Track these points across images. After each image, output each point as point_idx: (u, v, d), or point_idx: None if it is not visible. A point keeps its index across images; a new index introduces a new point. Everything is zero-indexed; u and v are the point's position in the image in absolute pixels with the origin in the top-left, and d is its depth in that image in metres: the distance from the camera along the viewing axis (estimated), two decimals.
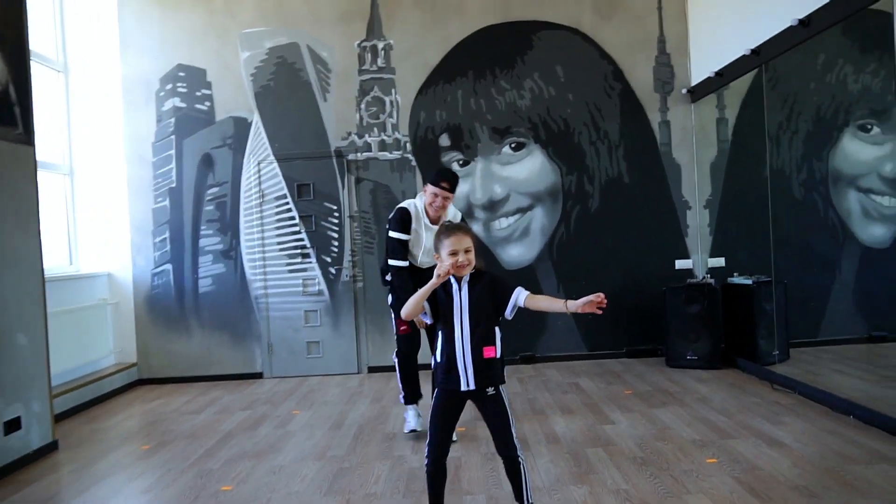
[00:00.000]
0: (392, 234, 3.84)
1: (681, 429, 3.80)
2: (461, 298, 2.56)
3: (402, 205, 3.92)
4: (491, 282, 2.60)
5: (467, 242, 2.55)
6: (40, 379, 4.02)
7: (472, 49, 5.97)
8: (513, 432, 2.56)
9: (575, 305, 2.51)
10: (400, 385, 3.99)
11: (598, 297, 2.47)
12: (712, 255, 5.94)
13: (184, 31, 5.99)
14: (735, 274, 5.57)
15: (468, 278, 2.58)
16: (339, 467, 3.51)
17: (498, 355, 2.57)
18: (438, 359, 2.59)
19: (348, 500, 3.07)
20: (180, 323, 6.03)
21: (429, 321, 2.64)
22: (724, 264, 5.85)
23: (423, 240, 3.86)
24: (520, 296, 2.57)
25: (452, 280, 2.58)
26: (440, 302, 2.58)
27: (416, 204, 3.88)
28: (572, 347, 5.96)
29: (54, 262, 5.70)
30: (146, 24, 5.98)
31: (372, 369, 5.95)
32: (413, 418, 3.96)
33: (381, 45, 5.99)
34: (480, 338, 2.53)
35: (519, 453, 2.55)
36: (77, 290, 5.63)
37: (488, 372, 2.53)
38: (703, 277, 5.65)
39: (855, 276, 5.85)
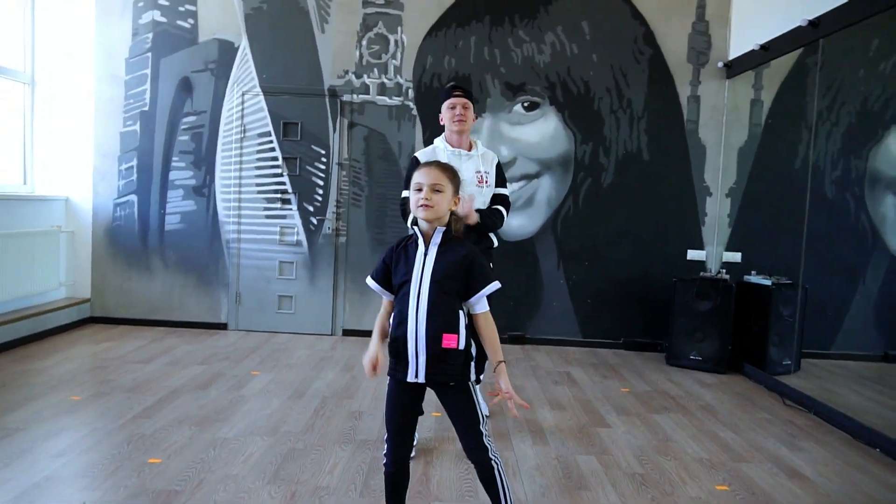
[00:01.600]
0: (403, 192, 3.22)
1: (685, 443, 3.33)
2: (424, 263, 2.01)
3: (416, 153, 3.33)
4: (468, 257, 2.03)
5: (439, 178, 2.01)
6: None
7: None
8: (482, 432, 2.05)
9: (503, 383, 2.02)
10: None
11: (522, 405, 2.02)
12: (728, 249, 5.44)
13: None
14: (753, 272, 5.07)
15: (439, 240, 2.03)
16: (290, 447, 3.03)
17: (460, 346, 2.01)
18: (392, 333, 2.06)
19: (294, 492, 2.58)
20: (142, 260, 5.49)
21: (386, 297, 2.12)
22: (740, 260, 5.36)
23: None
24: (483, 300, 2.05)
25: (419, 237, 2.04)
26: (398, 264, 2.05)
27: (435, 145, 3.30)
28: (566, 332, 5.48)
29: (5, 179, 5.13)
30: None
31: (347, 332, 5.46)
32: None
33: None
34: (440, 320, 1.99)
35: (492, 455, 2.04)
36: (29, 214, 5.07)
37: (443, 365, 2.00)
38: (718, 272, 5.15)
39: (879, 287, 5.39)
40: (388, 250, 2.11)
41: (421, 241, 2.04)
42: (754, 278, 4.99)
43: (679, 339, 5.00)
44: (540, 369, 4.69)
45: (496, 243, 3.43)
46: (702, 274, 5.10)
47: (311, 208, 5.43)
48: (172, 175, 5.46)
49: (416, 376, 2.00)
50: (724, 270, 5.14)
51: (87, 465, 2.73)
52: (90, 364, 4.28)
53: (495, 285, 2.05)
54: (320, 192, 5.43)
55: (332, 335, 5.44)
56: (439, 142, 3.29)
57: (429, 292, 1.98)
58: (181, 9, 5.37)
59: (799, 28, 4.31)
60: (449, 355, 2.00)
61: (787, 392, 4.26)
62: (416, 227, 2.07)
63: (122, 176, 5.46)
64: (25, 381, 3.82)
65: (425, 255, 2.02)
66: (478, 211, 3.16)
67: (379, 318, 2.13)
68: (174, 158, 5.45)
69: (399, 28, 5.38)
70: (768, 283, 4.82)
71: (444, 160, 2.86)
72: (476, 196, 3.18)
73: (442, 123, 3.29)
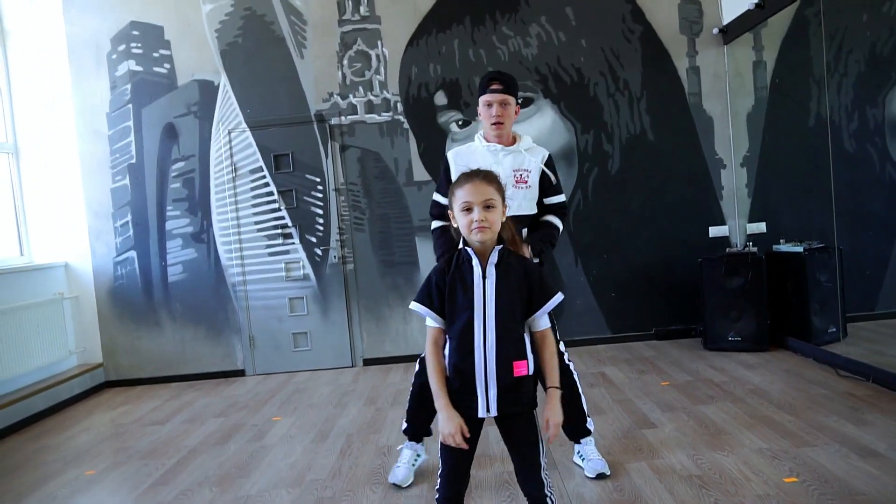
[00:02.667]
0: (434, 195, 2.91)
1: (740, 433, 3.08)
2: (485, 287, 1.80)
3: (447, 153, 2.91)
4: (528, 272, 1.84)
5: (489, 194, 1.80)
6: None
7: None
8: (542, 465, 1.85)
9: (556, 414, 1.85)
10: (407, 413, 2.94)
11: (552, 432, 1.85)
12: (751, 220, 5.19)
13: None
14: (781, 241, 4.81)
15: (496, 258, 1.82)
16: (318, 497, 2.81)
17: (530, 371, 1.82)
18: (449, 373, 1.84)
19: None
20: (149, 317, 5.33)
21: (437, 325, 1.87)
22: (765, 230, 5.10)
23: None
24: (545, 315, 1.86)
25: (473, 258, 1.82)
26: (455, 292, 1.83)
27: (471, 144, 2.87)
28: (594, 330, 5.24)
29: (2, 253, 5.01)
30: None
31: (367, 361, 5.25)
32: (406, 465, 2.88)
33: None
34: (510, 347, 1.79)
35: (548, 492, 1.85)
36: (30, 284, 4.94)
37: (517, 394, 1.81)
38: (745, 246, 4.89)
39: None
40: (437, 273, 1.87)
41: (476, 262, 1.82)
42: (784, 247, 4.73)
43: (714, 321, 4.74)
44: None
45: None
46: (728, 250, 4.84)
47: (313, 239, 5.26)
48: (169, 225, 5.31)
49: (488, 410, 1.80)
50: (751, 243, 4.88)
51: None
52: (107, 432, 4.11)
53: (559, 297, 1.85)
54: (321, 221, 5.25)
55: (352, 367, 5.24)
56: (478, 138, 2.84)
57: (495, 321, 1.79)
58: (155, 55, 5.24)
59: None
60: (522, 383, 1.81)
61: (838, 362, 3.99)
62: (468, 248, 1.85)
63: (119, 233, 5.32)
64: (40, 461, 3.65)
65: (484, 278, 1.81)
66: (529, 241, 2.67)
67: (435, 361, 1.86)
68: (168, 207, 5.30)
69: (379, 42, 5.21)
70: (800, 249, 4.57)
71: (480, 160, 2.59)
72: (512, 200, 2.62)
73: (479, 119, 2.85)
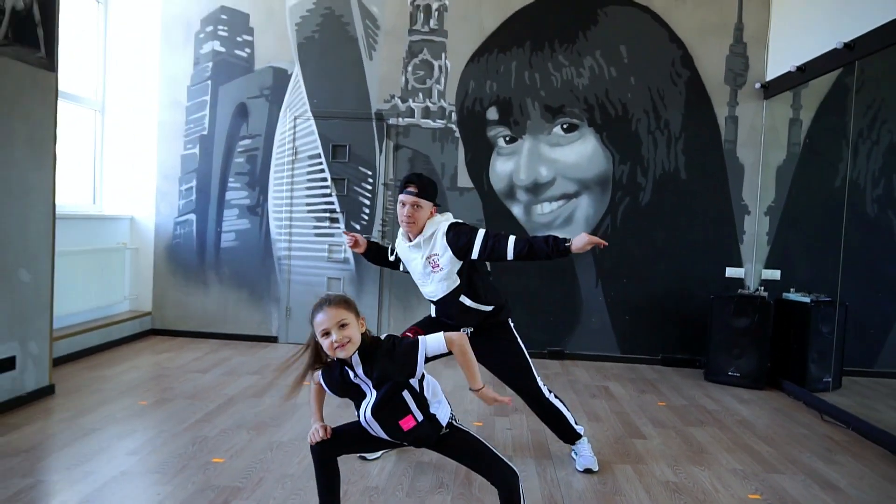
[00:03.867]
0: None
1: (720, 454, 3.42)
2: (362, 387, 2.19)
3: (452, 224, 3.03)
4: (389, 351, 2.16)
5: (342, 315, 2.11)
6: (41, 319, 3.80)
7: (533, 18, 5.55)
8: (499, 457, 2.20)
9: (488, 394, 2.25)
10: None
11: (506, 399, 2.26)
12: (767, 267, 5.49)
13: None
14: (791, 290, 5.12)
15: (358, 359, 2.15)
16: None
17: (419, 419, 2.19)
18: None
19: (345, 491, 2.78)
20: (199, 276, 5.81)
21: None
22: (779, 277, 5.40)
23: (413, 265, 3.06)
24: (426, 346, 2.17)
25: (337, 366, 2.20)
26: (337, 387, 2.24)
27: (400, 240, 3.10)
28: (604, 348, 5.59)
29: (78, 200, 5.51)
30: None
31: None
32: (589, 452, 3.16)
33: (435, 4, 5.61)
34: (389, 414, 2.18)
35: (517, 479, 2.17)
36: (98, 232, 5.44)
37: (419, 439, 2.21)
38: (757, 289, 5.21)
39: None
40: (324, 378, 2.32)
41: (349, 368, 2.21)
42: (793, 296, 5.04)
43: (717, 355, 5.06)
44: (578, 383, 4.81)
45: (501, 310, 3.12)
46: (740, 291, 5.17)
47: (358, 227, 5.68)
48: (228, 195, 5.78)
49: (405, 445, 2.31)
50: (763, 288, 5.20)
51: (158, 464, 2.98)
52: (153, 373, 4.58)
53: (423, 342, 2.19)
54: (367, 211, 5.68)
55: None
56: (400, 236, 3.08)
57: (375, 404, 2.18)
58: (239, 39, 5.72)
59: (835, 50, 4.39)
60: (418, 430, 2.20)
61: (824, 408, 4.30)
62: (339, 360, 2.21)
63: (183, 196, 5.81)
64: (97, 387, 4.12)
65: (356, 376, 2.19)
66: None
67: (315, 395, 2.41)
68: (230, 179, 5.78)
69: (443, 54, 5.63)
70: (807, 300, 4.87)
71: (409, 259, 3.03)
72: (428, 284, 3.01)
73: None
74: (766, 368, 4.97)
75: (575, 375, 5.05)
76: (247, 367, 4.85)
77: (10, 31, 3.43)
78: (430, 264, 2.96)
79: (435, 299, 3.07)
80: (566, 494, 2.84)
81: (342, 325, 2.10)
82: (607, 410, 4.15)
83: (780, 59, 5.28)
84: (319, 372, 2.28)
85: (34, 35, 3.61)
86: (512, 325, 3.15)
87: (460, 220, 3.01)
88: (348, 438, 2.30)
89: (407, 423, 2.17)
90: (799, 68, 4.89)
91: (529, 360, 3.10)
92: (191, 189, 5.81)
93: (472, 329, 3.04)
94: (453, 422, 2.31)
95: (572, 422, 3.15)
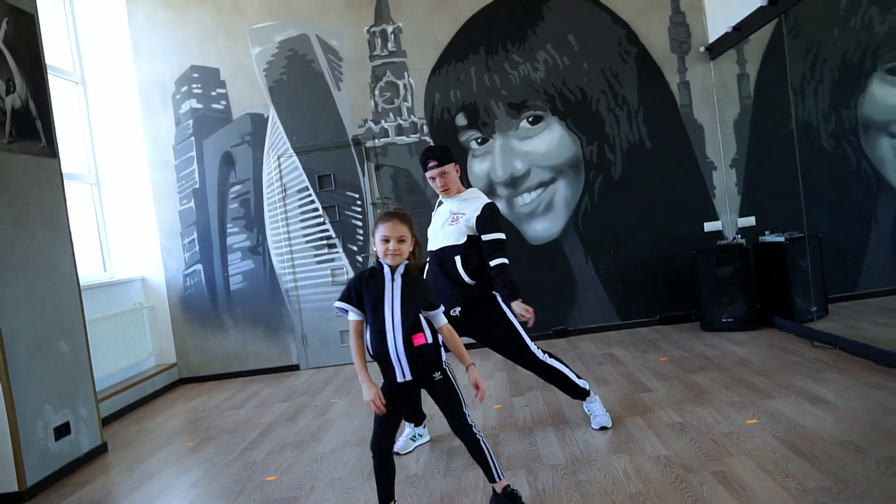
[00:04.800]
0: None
1: (719, 392, 3.75)
2: (393, 288, 2.49)
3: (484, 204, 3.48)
4: (424, 286, 2.58)
5: (402, 231, 2.46)
6: (85, 384, 4.12)
7: (483, 25, 5.90)
8: (466, 413, 2.57)
9: (473, 375, 2.57)
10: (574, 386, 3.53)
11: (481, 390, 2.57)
12: (742, 215, 5.83)
13: (194, 32, 6.02)
14: (766, 232, 5.46)
15: (401, 269, 2.51)
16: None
17: (429, 340, 2.53)
18: (371, 354, 2.54)
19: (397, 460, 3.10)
20: (215, 321, 6.13)
21: (357, 318, 2.53)
22: (754, 223, 5.74)
23: (436, 218, 3.53)
24: (439, 316, 2.58)
25: (385, 267, 2.50)
26: (369, 292, 2.50)
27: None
28: (605, 318, 5.92)
29: (89, 270, 5.82)
30: (157, 27, 6.03)
31: None
32: (405, 437, 3.53)
33: (389, 28, 5.95)
34: (410, 326, 2.48)
35: (476, 432, 2.55)
36: (113, 297, 5.75)
37: (422, 360, 2.51)
38: (734, 238, 5.55)
39: (893, 224, 5.71)
40: (356, 279, 2.55)
41: (388, 272, 2.50)
42: (768, 238, 5.37)
43: (708, 305, 5.39)
44: (585, 354, 5.14)
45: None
46: (719, 242, 5.50)
47: (354, 248, 6.01)
48: (229, 240, 6.11)
49: (405, 376, 2.51)
50: (740, 235, 5.54)
51: (219, 491, 3.30)
52: (192, 417, 4.89)
53: (441, 311, 2.58)
54: (360, 231, 6.01)
55: None
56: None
57: (400, 307, 2.47)
58: (213, 93, 6.05)
59: (761, 7, 4.74)
60: (422, 350, 2.50)
61: (813, 335, 4.63)
62: (382, 262, 2.52)
63: (187, 249, 6.13)
64: (145, 438, 4.44)
65: (392, 280, 2.50)
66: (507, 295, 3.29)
67: (357, 346, 2.52)
68: (228, 225, 6.11)
69: (405, 73, 5.97)
70: (782, 239, 5.20)
71: (440, 209, 3.48)
72: (440, 232, 3.41)
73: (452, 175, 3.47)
74: (755, 309, 5.30)
75: (581, 348, 5.38)
76: (276, 396, 5.17)
77: (13, 129, 3.75)
78: (452, 216, 3.38)
79: (436, 248, 3.40)
80: (584, 450, 3.17)
81: (401, 240, 2.46)
82: (614, 373, 4.48)
83: (717, 22, 5.63)
84: (345, 306, 2.53)
85: (34, 128, 3.94)
86: (499, 299, 3.39)
87: (497, 208, 3.46)
88: (381, 418, 2.59)
89: (418, 339, 2.49)
90: (735, 28, 5.24)
91: (519, 329, 3.38)
92: (193, 241, 6.13)
93: (459, 309, 3.34)
94: (447, 369, 2.63)
95: (574, 378, 3.46)
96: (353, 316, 2.54)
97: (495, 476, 2.56)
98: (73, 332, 4.08)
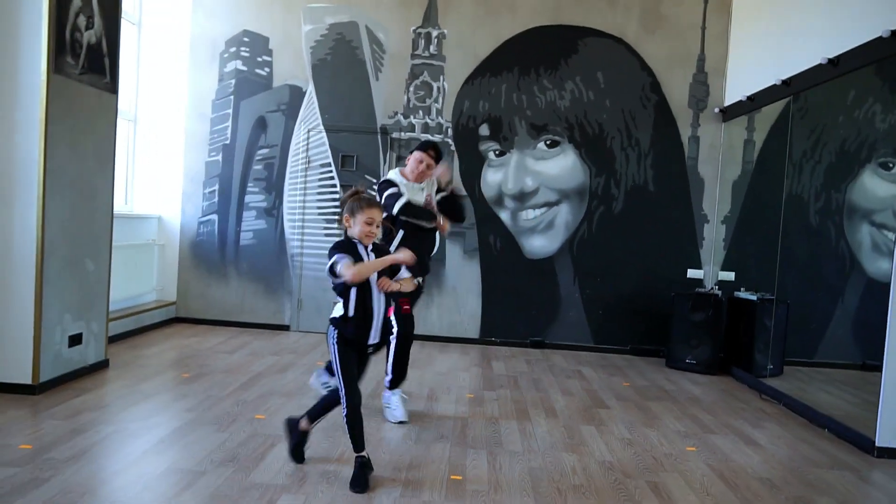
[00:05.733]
0: (387, 192, 3.93)
1: (669, 420, 4.17)
2: (367, 259, 2.91)
3: (386, 178, 4.09)
4: (384, 251, 3.02)
5: (380, 216, 2.94)
6: (101, 302, 4.48)
7: (521, 46, 6.30)
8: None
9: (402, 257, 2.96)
10: (392, 368, 3.91)
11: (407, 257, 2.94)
12: (723, 269, 6.25)
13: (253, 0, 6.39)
14: (742, 288, 5.89)
15: (372, 246, 2.96)
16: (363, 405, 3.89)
17: (391, 314, 3.06)
18: (352, 314, 2.89)
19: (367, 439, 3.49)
20: (219, 270, 6.49)
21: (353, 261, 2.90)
22: (733, 278, 6.16)
23: (414, 199, 3.97)
24: (404, 272, 3.05)
25: (360, 246, 2.92)
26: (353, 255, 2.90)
27: (397, 176, 4.02)
28: (580, 338, 6.34)
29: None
30: None
31: None
32: (401, 406, 3.89)
33: (435, 32, 6.34)
34: (387, 297, 2.97)
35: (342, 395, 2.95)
36: (130, 229, 6.09)
37: (386, 328, 3.01)
38: (711, 288, 5.97)
39: (857, 305, 6.14)
40: (343, 248, 2.89)
41: (362, 248, 2.92)
42: (743, 294, 5.81)
43: (677, 345, 5.82)
44: (556, 367, 5.55)
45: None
46: (697, 290, 5.93)
47: None
48: (247, 198, 6.47)
49: (375, 338, 2.95)
50: (717, 286, 5.97)
51: (212, 418, 3.67)
52: (187, 353, 5.26)
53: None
54: None
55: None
56: (399, 175, 4.02)
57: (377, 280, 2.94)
58: (259, 59, 6.41)
59: (774, 85, 5.16)
60: (388, 321, 3.05)
61: (763, 389, 5.07)
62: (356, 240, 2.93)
63: (206, 198, 6.49)
64: (143, 363, 4.80)
65: (368, 256, 2.91)
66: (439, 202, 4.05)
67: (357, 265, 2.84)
68: (249, 184, 6.47)
69: (441, 77, 6.35)
70: (754, 297, 5.63)
71: (409, 192, 3.93)
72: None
73: (406, 162, 4.04)
74: (718, 357, 5.73)
75: (553, 361, 5.79)
76: (266, 349, 5.54)
77: (86, 62, 4.11)
78: (427, 198, 4.01)
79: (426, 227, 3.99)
80: (540, 444, 3.57)
81: (378, 224, 2.93)
82: (579, 388, 4.89)
83: (735, 88, 6.05)
84: (346, 256, 2.86)
85: (102, 64, 4.30)
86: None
87: None
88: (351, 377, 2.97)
89: (389, 311, 3.10)
90: (749, 98, 5.67)
91: None
92: (213, 192, 6.49)
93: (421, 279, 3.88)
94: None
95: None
96: (350, 262, 2.84)
97: (306, 418, 3.10)
98: (99, 254, 4.44)
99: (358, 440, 2.93)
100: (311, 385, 4.07)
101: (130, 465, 2.97)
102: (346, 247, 2.91)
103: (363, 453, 2.93)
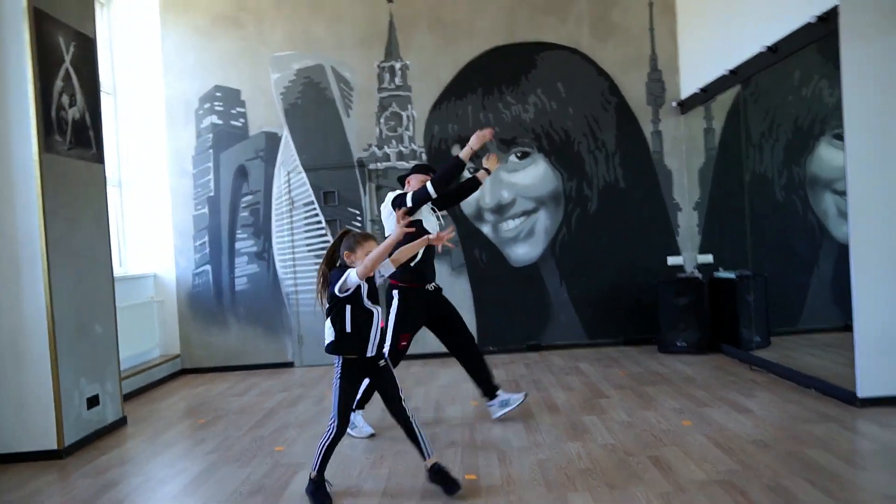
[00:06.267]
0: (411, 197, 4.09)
1: (665, 401, 4.40)
2: (364, 288, 3.10)
3: (398, 192, 4.29)
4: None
5: (374, 246, 3.08)
6: (112, 363, 4.67)
7: (481, 68, 6.60)
8: (402, 397, 3.17)
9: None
10: (361, 395, 4.05)
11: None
12: (701, 252, 6.53)
13: (220, 56, 6.65)
14: (720, 269, 6.15)
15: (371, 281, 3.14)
16: (376, 427, 4.11)
17: (386, 325, 3.22)
18: (349, 329, 3.06)
19: (382, 455, 3.69)
20: (219, 318, 6.68)
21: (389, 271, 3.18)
22: (711, 260, 6.44)
23: (429, 221, 4.28)
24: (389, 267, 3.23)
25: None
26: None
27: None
28: (574, 337, 6.57)
29: None
30: (186, 50, 6.65)
31: None
32: (363, 423, 4.13)
33: (398, 65, 6.63)
34: (382, 311, 3.18)
35: (409, 414, 3.13)
36: (127, 290, 6.26)
37: (381, 339, 3.19)
38: (692, 272, 6.24)
39: (832, 270, 6.42)
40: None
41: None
42: (722, 274, 6.07)
43: (666, 330, 6.07)
44: (554, 367, 5.77)
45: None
46: (678, 276, 6.19)
47: None
48: (238, 245, 6.69)
49: (371, 351, 3.11)
50: (697, 270, 6.23)
51: (234, 456, 3.85)
52: (199, 401, 5.43)
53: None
54: None
55: None
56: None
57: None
58: (233, 111, 6.67)
59: (724, 75, 5.47)
60: (383, 332, 3.23)
61: (752, 360, 5.31)
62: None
63: (197, 250, 6.70)
64: (159, 416, 4.98)
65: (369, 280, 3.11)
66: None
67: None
68: (238, 231, 6.69)
69: (409, 105, 6.63)
70: (733, 276, 5.90)
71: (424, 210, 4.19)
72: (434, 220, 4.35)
73: (408, 182, 4.36)
74: (707, 337, 5.98)
75: (551, 361, 6.01)
76: (275, 388, 5.72)
77: (73, 137, 4.34)
78: (439, 219, 4.41)
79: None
80: (546, 438, 3.78)
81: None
82: (578, 382, 5.11)
83: (689, 82, 6.37)
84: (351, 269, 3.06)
85: (87, 136, 4.52)
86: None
87: None
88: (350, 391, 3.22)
89: (381, 323, 3.18)
90: (702, 89, 5.98)
91: None
92: (204, 244, 6.70)
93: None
94: (387, 360, 3.27)
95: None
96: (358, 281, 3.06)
97: (425, 454, 3.11)
98: (105, 317, 4.63)
99: (324, 464, 3.13)
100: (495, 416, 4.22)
101: None
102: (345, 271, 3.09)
103: (324, 475, 3.14)
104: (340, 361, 3.17)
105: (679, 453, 3.37)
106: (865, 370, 3.97)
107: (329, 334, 3.18)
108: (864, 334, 4.05)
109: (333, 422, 3.14)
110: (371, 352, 3.14)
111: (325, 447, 3.12)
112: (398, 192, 4.27)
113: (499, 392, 4.24)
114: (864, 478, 2.99)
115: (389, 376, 3.22)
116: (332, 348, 3.18)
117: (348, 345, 3.13)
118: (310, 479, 3.13)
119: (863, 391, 3.96)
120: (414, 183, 4.30)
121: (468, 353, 4.31)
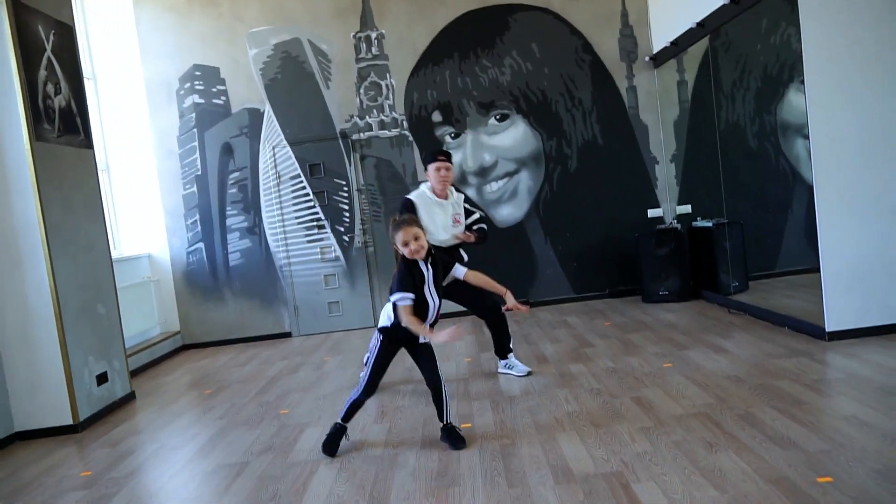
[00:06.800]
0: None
1: (648, 346, 4.64)
2: (428, 275, 3.17)
3: (407, 196, 4.36)
4: (442, 262, 3.28)
5: (415, 231, 3.05)
6: (117, 341, 4.84)
7: (456, 33, 6.68)
8: (439, 368, 3.31)
9: (511, 299, 3.45)
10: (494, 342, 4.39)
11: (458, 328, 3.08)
12: (680, 203, 6.73)
13: (197, 35, 6.69)
14: (698, 218, 6.37)
15: (430, 259, 3.19)
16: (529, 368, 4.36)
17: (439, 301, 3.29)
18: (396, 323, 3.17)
19: (383, 410, 3.91)
20: (215, 293, 6.85)
21: (412, 302, 3.11)
22: (690, 210, 6.65)
23: (437, 218, 4.25)
24: (459, 269, 3.38)
25: (420, 263, 3.15)
26: (416, 280, 3.12)
27: (423, 191, 4.33)
28: (562, 292, 6.80)
29: None
30: (162, 31, 6.68)
31: None
32: (518, 362, 4.35)
33: (374, 35, 6.70)
34: (440, 305, 3.23)
35: (442, 382, 3.29)
36: (123, 271, 6.40)
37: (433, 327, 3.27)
38: (671, 223, 6.45)
39: (805, 213, 6.64)
40: (407, 273, 3.11)
41: (422, 264, 3.16)
42: (699, 223, 6.29)
43: (648, 280, 6.30)
44: (543, 322, 6.00)
45: (466, 258, 4.34)
46: (658, 227, 6.40)
47: (341, 229, 6.77)
48: (229, 221, 6.82)
49: (425, 339, 3.24)
50: (676, 221, 6.44)
51: (242, 420, 4.07)
52: (203, 373, 5.63)
53: (457, 266, 3.44)
54: (347, 214, 6.77)
55: (375, 326, 6.76)
56: (426, 189, 4.33)
57: (435, 289, 3.20)
58: (214, 90, 6.74)
59: (692, 28, 5.60)
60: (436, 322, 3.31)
61: (731, 304, 5.56)
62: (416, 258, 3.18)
63: (189, 229, 6.83)
64: (166, 389, 5.18)
65: (426, 269, 3.15)
66: (475, 230, 4.34)
67: (413, 319, 3.08)
68: (228, 208, 6.81)
69: (388, 74, 6.72)
70: (710, 224, 6.11)
71: (437, 210, 4.23)
72: (446, 232, 4.27)
73: (426, 178, 4.37)
74: (688, 284, 6.22)
75: (540, 317, 6.24)
76: (275, 356, 5.93)
77: (61, 125, 4.44)
78: (454, 220, 4.31)
79: (445, 246, 4.22)
80: (535, 386, 4.02)
81: (416, 237, 3.07)
82: (566, 334, 5.35)
83: (660, 36, 6.49)
84: (409, 295, 3.12)
85: (75, 123, 4.62)
86: None
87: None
88: (380, 369, 3.37)
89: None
90: (673, 43, 6.11)
91: None
92: (195, 222, 6.83)
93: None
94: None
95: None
96: (409, 301, 3.10)
97: (443, 417, 3.27)
98: (107, 298, 4.79)
99: (349, 415, 3.34)
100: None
101: (182, 469, 3.37)
102: (406, 275, 3.08)
103: (347, 425, 3.34)
104: (381, 335, 3.31)
105: (659, 392, 3.61)
106: (832, 306, 4.22)
107: (385, 319, 3.27)
108: (830, 272, 4.28)
109: (363, 382, 3.32)
110: (422, 340, 3.25)
111: (352, 401, 3.34)
112: (411, 196, 4.33)
113: (510, 356, 4.43)
114: (826, 403, 3.24)
115: (430, 354, 3.29)
116: (385, 331, 3.28)
117: (403, 332, 3.21)
118: (336, 423, 3.34)
119: (830, 325, 4.21)
120: (432, 177, 4.29)
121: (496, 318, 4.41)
